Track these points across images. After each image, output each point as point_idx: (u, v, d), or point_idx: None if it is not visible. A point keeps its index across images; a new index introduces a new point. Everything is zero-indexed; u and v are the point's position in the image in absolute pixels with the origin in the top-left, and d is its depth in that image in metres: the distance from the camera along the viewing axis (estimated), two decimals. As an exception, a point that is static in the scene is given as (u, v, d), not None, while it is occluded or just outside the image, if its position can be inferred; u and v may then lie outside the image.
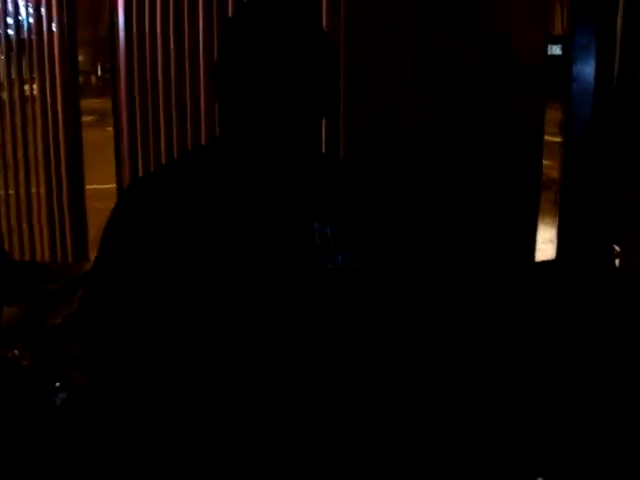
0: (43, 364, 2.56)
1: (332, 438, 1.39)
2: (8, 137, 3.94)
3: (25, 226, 3.98)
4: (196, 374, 1.37)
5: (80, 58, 3.97)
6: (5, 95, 3.90)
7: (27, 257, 3.97)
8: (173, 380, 1.38)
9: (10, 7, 3.83)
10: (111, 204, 1.43)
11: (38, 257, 3.95)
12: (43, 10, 3.68)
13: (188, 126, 3.48)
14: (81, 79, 3.90)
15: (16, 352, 2.65)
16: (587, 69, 3.15)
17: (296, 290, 1.36)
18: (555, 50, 3.67)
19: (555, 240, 3.39)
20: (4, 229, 4.02)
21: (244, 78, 1.34)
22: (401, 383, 1.50)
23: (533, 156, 3.16)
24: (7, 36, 3.82)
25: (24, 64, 3.82)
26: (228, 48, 1.39)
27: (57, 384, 2.49)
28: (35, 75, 3.79)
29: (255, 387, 1.36)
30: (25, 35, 3.74)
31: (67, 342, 2.69)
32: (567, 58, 3.18)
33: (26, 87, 3.90)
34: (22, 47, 3.78)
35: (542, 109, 3.14)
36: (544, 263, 3.43)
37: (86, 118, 3.84)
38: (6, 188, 3.99)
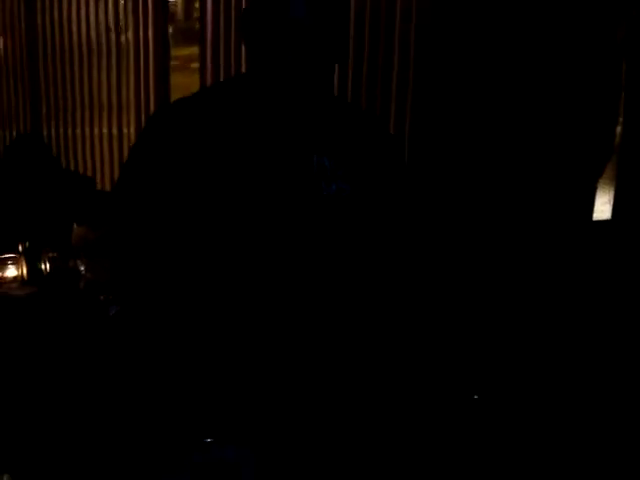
0: (103, 278, 2.84)
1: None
2: (104, 80, 4.25)
3: (116, 162, 4.30)
4: (204, 276, 1.58)
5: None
6: (103, 40, 4.21)
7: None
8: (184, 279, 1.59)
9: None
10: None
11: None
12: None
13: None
14: (171, 28, 4.14)
15: (82, 266, 2.95)
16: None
17: (292, 210, 1.55)
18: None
19: (612, 202, 3.41)
20: (97, 164, 4.36)
21: (264, 28, 1.52)
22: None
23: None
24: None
25: (120, 11, 4.11)
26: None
27: (111, 297, 2.76)
28: (130, 22, 4.08)
29: (252, 290, 1.56)
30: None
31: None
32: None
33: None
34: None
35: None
36: (601, 222, 3.45)
37: (173, 62, 4.10)
38: (100, 127, 4.32)
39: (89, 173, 4.31)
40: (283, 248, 1.55)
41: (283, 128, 1.57)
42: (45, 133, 4.47)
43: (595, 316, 2.69)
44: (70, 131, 4.40)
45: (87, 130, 4.35)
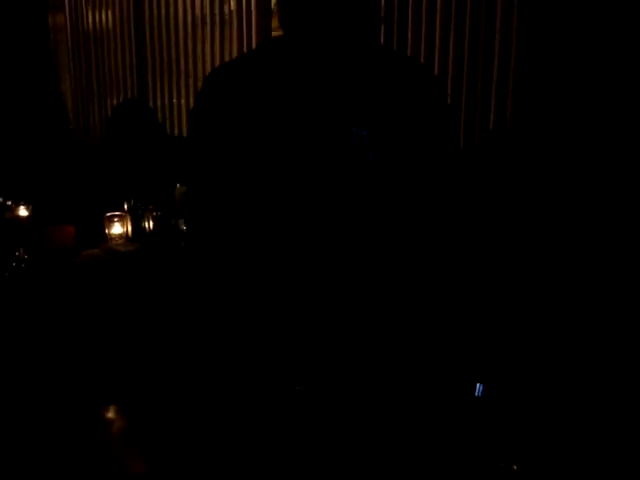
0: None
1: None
2: (207, 50, 4.35)
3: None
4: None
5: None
6: (207, 11, 4.31)
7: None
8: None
9: None
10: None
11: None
12: None
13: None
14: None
15: (183, 225, 3.05)
16: None
17: (336, 178, 1.58)
18: None
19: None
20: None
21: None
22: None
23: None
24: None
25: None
26: None
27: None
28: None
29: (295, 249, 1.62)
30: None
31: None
32: None
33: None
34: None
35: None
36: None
37: (276, 33, 4.16)
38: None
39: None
40: (327, 213, 1.60)
41: (323, 96, 1.59)
42: (150, 102, 4.61)
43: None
44: (176, 101, 4.52)
45: (191, 100, 4.46)
